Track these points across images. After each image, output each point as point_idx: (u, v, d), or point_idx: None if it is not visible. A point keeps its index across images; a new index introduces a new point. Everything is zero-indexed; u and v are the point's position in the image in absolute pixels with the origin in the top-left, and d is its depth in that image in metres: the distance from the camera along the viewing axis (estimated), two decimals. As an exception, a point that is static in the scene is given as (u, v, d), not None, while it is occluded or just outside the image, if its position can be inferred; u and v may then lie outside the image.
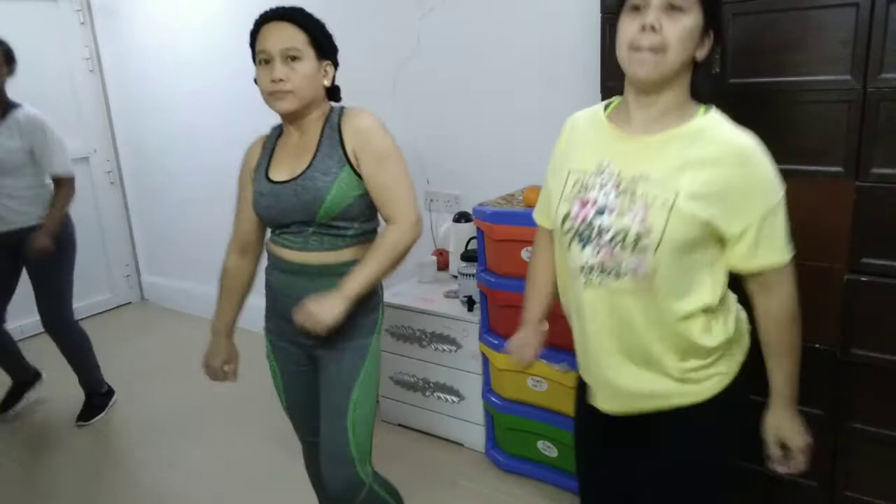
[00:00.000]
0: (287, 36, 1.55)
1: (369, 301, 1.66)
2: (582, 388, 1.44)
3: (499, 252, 2.35)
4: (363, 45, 2.93)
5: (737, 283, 1.29)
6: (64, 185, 2.86)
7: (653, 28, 1.14)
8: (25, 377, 3.19)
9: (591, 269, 1.25)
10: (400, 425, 2.84)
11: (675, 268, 1.20)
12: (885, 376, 1.72)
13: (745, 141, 1.18)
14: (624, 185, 1.21)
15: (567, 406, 2.28)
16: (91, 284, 4.31)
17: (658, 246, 1.17)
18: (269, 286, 1.73)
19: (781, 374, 1.30)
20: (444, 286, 2.81)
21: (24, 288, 2.93)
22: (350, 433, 1.64)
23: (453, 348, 2.57)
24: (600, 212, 1.23)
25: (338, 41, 1.67)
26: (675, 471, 1.34)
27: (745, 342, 1.34)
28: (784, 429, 1.32)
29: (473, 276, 2.50)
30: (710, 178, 1.16)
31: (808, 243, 1.72)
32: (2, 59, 2.70)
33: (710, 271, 1.24)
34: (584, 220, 1.25)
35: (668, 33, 1.14)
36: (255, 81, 1.62)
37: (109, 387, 3.19)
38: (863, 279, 1.70)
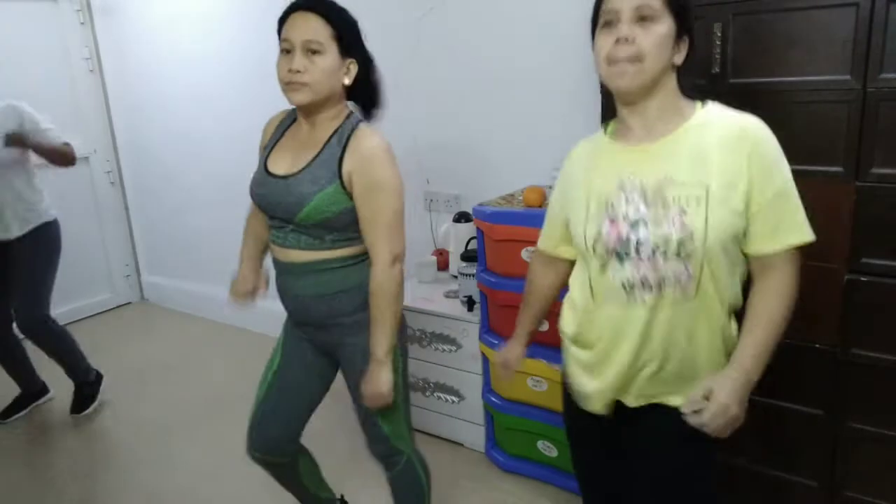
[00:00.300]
0: (311, 28, 1.53)
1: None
2: (570, 393, 1.44)
3: (499, 252, 2.34)
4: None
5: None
6: (62, 147, 2.82)
7: (626, 39, 1.16)
8: (33, 389, 3.19)
9: (633, 286, 1.23)
10: (400, 425, 2.84)
11: (724, 265, 1.21)
12: (885, 376, 1.72)
13: (752, 121, 1.21)
14: (651, 194, 1.21)
15: (567, 406, 2.29)
16: (91, 284, 4.32)
17: (704, 246, 1.17)
18: (276, 286, 1.77)
19: (752, 342, 1.21)
20: (444, 286, 2.81)
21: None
22: (381, 421, 1.74)
23: (453, 348, 2.57)
24: (634, 225, 1.21)
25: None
26: (672, 469, 1.33)
27: None
28: (720, 384, 1.19)
29: (473, 276, 2.50)
30: (728, 161, 1.17)
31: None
32: None
33: (742, 262, 1.26)
34: (618, 238, 1.23)
35: (642, 43, 1.16)
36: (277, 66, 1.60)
37: (97, 372, 3.19)
38: (863, 279, 1.70)
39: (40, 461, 2.81)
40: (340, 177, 1.56)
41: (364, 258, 1.65)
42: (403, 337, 1.76)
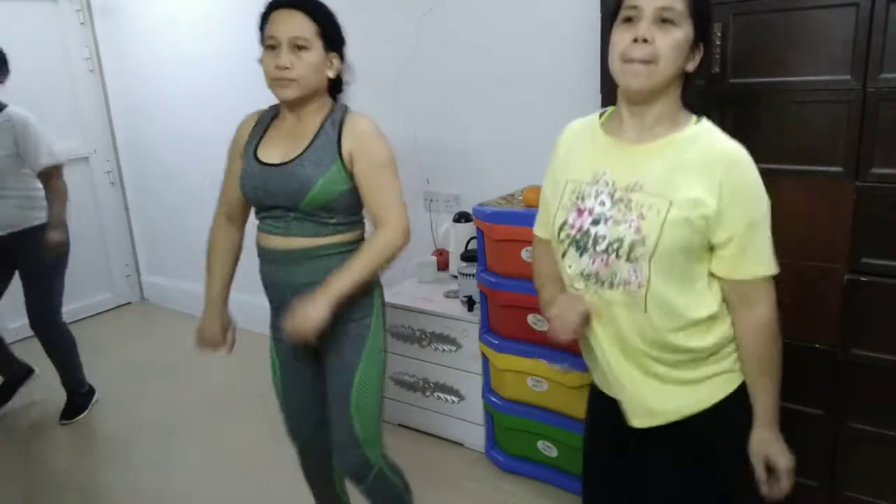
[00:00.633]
0: (297, 25, 1.56)
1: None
2: (596, 394, 1.44)
3: (499, 252, 2.34)
4: (363, 45, 2.92)
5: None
6: (53, 175, 2.83)
7: (645, 40, 1.16)
8: (16, 374, 3.18)
9: (589, 276, 1.27)
10: (400, 425, 2.84)
11: (674, 278, 1.21)
12: (885, 376, 1.72)
13: (735, 148, 1.20)
14: (619, 195, 1.23)
15: (567, 406, 2.28)
16: (91, 284, 4.31)
17: (653, 254, 1.18)
18: (262, 281, 1.76)
19: (765, 395, 1.30)
20: (444, 286, 2.81)
21: (19, 289, 2.93)
22: (354, 418, 1.70)
23: (453, 348, 2.57)
24: (596, 221, 1.25)
25: (338, 40, 1.67)
26: (692, 471, 1.33)
27: None
28: (770, 450, 1.31)
29: (473, 276, 2.50)
30: (700, 184, 1.17)
31: (808, 243, 1.73)
32: None
33: (710, 281, 1.26)
34: (580, 229, 1.27)
35: (659, 45, 1.16)
36: (260, 62, 1.62)
37: (90, 386, 3.19)
38: (863, 279, 1.70)
39: (40, 461, 2.81)
40: (341, 157, 1.60)
41: (358, 245, 1.68)
42: (385, 339, 1.76)
